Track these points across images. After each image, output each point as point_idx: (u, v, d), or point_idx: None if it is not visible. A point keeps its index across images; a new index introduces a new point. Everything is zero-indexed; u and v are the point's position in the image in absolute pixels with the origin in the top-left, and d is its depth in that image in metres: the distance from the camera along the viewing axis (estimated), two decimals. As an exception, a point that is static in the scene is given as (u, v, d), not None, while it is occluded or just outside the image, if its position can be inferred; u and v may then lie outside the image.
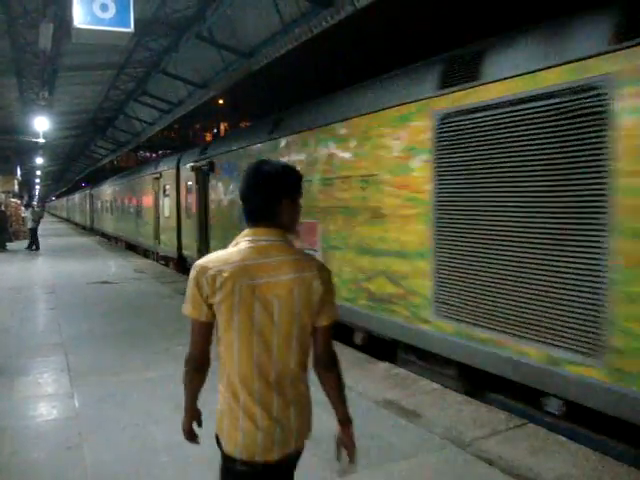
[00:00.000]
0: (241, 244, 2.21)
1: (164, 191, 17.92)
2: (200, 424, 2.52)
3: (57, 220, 70.53)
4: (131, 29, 6.92)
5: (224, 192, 12.32)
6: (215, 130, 72.82)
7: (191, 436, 2.50)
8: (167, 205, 17.55)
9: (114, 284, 13.53)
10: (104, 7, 6.70)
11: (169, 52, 13.45)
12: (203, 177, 13.87)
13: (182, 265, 16.32)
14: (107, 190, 32.03)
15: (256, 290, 2.13)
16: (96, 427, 5.00)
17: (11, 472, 4.22)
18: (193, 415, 2.46)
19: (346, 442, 2.48)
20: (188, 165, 15.17)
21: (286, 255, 2.20)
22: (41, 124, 17.47)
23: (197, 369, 2.28)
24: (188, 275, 2.29)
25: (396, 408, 5.36)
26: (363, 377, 6.31)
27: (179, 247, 16.35)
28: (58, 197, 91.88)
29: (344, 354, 7.27)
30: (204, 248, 13.64)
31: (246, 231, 2.26)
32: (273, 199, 2.21)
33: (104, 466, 4.27)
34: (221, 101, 59.59)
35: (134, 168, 30.43)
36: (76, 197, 54.83)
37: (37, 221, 23.88)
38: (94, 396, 5.81)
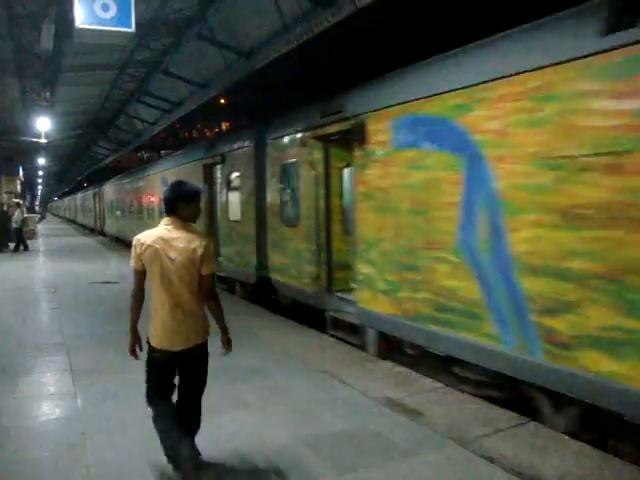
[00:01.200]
0: (160, 226, 3.97)
1: (228, 183, 12.17)
2: (141, 348, 4.08)
3: (59, 221, 70.55)
4: (132, 29, 6.93)
5: (398, 179, 6.58)
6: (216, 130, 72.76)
7: (135, 354, 4.09)
8: (235, 203, 11.77)
9: (116, 284, 13.53)
10: (105, 7, 6.71)
11: (170, 52, 13.47)
12: (326, 153, 8.57)
13: (264, 293, 10.85)
14: (123, 187, 26.44)
15: (165, 251, 3.85)
16: (99, 426, 5.02)
17: (14, 471, 4.24)
18: (135, 339, 4.07)
19: (224, 340, 4.19)
20: (288, 137, 9.43)
21: (182, 233, 3.91)
22: (43, 124, 17.49)
23: (137, 299, 4.01)
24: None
25: (398, 406, 5.36)
26: (364, 375, 6.31)
27: (261, 266, 10.53)
28: (61, 197, 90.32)
29: (344, 352, 7.28)
30: (326, 273, 8.53)
31: (164, 219, 4.00)
32: (174, 202, 3.95)
33: (107, 465, 4.28)
34: (222, 101, 59.53)
35: (165, 157, 25.77)
36: (82, 196, 48.94)
37: (21, 222, 23.93)
38: (97, 395, 5.83)
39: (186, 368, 4.04)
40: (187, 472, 3.77)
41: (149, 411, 4.05)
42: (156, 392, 4.06)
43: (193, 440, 3.93)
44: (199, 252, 3.86)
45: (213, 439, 4.70)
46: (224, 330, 4.18)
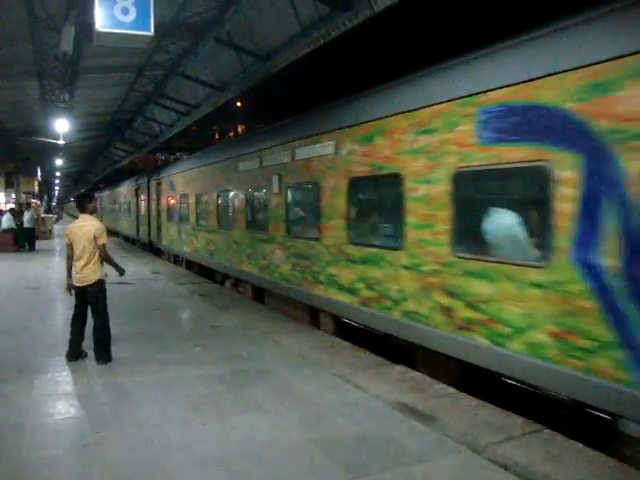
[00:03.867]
0: (79, 218, 7.27)
1: None
2: (73, 288, 7.24)
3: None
4: (151, 32, 6.99)
5: None
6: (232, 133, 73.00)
7: (69, 291, 7.34)
8: None
9: (131, 285, 13.63)
10: (125, 11, 6.78)
11: (188, 55, 13.57)
12: None
13: None
14: (228, 169, 13.24)
15: (78, 232, 7.08)
16: (113, 426, 5.06)
17: (29, 468, 4.28)
18: (69, 279, 7.26)
19: (119, 271, 7.62)
20: None
21: (87, 222, 7.15)
22: (61, 126, 17.68)
23: (69, 260, 7.29)
24: None
25: (411, 411, 5.35)
26: (378, 380, 6.30)
27: None
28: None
29: (358, 356, 7.27)
30: None
31: (80, 215, 7.31)
32: (83, 205, 7.32)
33: (120, 464, 4.31)
34: (239, 104, 59.76)
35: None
36: (119, 192, 33.60)
37: (33, 222, 24.42)
38: (111, 395, 5.88)
39: (86, 296, 7.14)
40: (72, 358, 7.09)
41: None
42: (74, 309, 7.27)
43: (103, 342, 7.13)
44: (92, 231, 6.98)
45: (227, 440, 4.72)
46: (116, 267, 7.47)
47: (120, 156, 34.17)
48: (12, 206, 27.16)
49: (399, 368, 6.77)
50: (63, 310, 10.69)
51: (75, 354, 7.15)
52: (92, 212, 7.37)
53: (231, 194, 13.08)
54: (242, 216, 12.33)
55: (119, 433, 4.89)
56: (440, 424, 5.04)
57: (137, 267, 17.73)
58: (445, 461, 4.35)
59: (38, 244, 25.16)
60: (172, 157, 57.62)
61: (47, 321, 9.55)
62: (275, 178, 10.36)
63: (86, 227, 7.02)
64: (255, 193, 11.97)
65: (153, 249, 22.77)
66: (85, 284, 7.04)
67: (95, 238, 6.96)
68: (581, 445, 4.58)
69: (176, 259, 19.49)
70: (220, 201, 14.01)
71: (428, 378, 6.38)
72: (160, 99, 18.11)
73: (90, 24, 7.12)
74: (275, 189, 10.39)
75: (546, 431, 4.88)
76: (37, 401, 5.76)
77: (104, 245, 7.07)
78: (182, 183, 17.70)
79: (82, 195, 7.71)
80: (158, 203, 21.40)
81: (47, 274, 15.96)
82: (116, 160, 36.38)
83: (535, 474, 4.11)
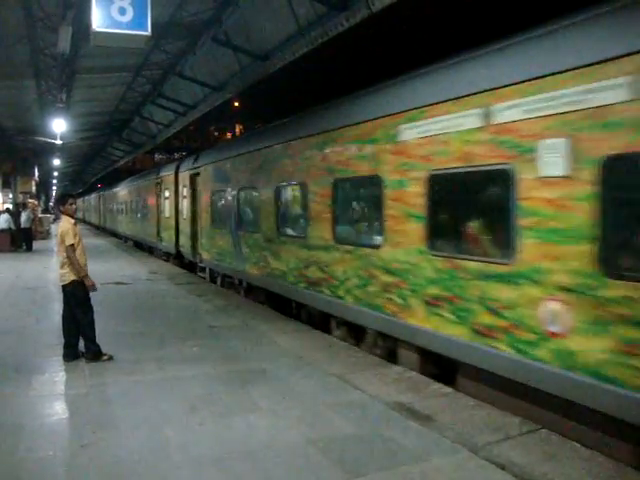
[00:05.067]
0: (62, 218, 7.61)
1: None
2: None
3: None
4: (148, 32, 6.98)
5: None
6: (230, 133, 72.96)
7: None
8: None
9: (128, 285, 13.63)
10: (122, 10, 6.77)
11: (185, 55, 13.56)
12: None
13: None
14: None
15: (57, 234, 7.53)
16: (110, 426, 5.05)
17: (26, 468, 4.28)
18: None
19: (88, 284, 7.20)
20: None
21: (62, 223, 7.30)
22: (59, 126, 17.62)
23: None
24: None
25: (409, 411, 5.35)
26: (376, 380, 6.30)
27: None
28: (81, 194, 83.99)
29: (356, 357, 7.28)
30: None
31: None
32: (59, 204, 7.95)
33: (118, 464, 4.31)
34: (237, 104, 59.75)
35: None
36: (130, 190, 27.96)
37: (29, 223, 24.62)
38: (109, 395, 5.87)
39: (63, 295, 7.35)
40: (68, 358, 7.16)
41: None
42: (62, 309, 7.46)
43: (85, 339, 7.25)
44: (59, 232, 7.22)
45: (224, 440, 4.73)
46: (78, 272, 7.09)
47: (118, 156, 34.16)
48: (9, 206, 27.09)
49: (396, 368, 6.77)
50: (60, 311, 10.68)
51: (71, 354, 7.19)
52: (70, 214, 7.33)
53: (373, 186, 7.47)
54: (412, 226, 6.49)
55: (116, 433, 4.89)
56: (437, 424, 5.04)
57: (135, 267, 17.71)
58: (442, 461, 4.35)
59: (35, 244, 25.14)
60: (171, 157, 57.44)
61: (44, 322, 9.52)
62: (558, 145, 4.69)
63: (59, 229, 7.25)
64: (461, 183, 6.09)
65: (182, 261, 17.97)
66: (62, 284, 7.22)
67: (62, 238, 7.08)
68: (578, 445, 4.58)
69: (227, 279, 13.83)
70: (339, 198, 8.39)
71: (425, 378, 6.38)
72: (157, 99, 18.09)
73: (87, 24, 7.12)
74: (555, 169, 4.74)
75: (543, 431, 4.88)
76: (35, 402, 5.75)
77: (71, 246, 7.04)
78: (243, 171, 12.00)
79: (58, 197, 8.39)
80: (194, 201, 16.06)
81: (44, 275, 15.90)
82: (114, 160, 36.37)
83: (532, 474, 4.11)
